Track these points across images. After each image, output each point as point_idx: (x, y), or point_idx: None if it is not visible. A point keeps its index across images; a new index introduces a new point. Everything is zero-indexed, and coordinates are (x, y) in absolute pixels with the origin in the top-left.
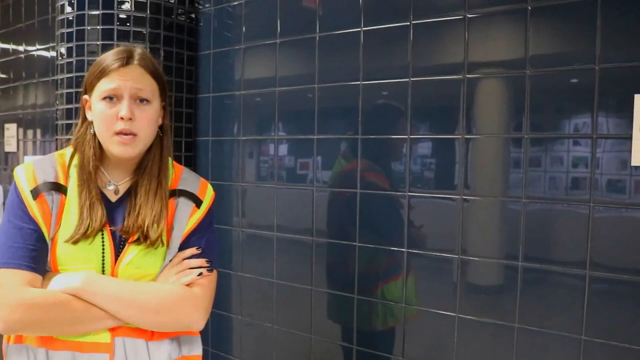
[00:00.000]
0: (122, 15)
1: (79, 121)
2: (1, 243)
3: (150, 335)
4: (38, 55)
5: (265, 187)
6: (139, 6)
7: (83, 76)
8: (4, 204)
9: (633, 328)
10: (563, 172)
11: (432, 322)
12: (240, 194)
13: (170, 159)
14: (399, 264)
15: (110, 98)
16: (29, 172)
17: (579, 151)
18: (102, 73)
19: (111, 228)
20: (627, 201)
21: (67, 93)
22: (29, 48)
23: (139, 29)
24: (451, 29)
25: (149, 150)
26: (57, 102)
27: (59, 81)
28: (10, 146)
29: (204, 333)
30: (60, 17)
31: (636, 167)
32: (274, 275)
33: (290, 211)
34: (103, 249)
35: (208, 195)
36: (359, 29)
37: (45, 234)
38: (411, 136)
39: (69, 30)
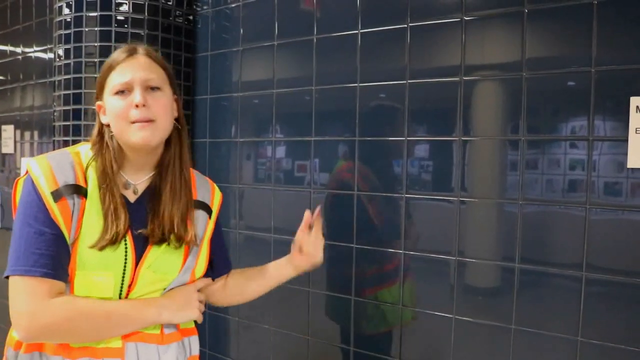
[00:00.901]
0: (120, 17)
1: (95, 127)
2: (21, 248)
3: (160, 339)
4: (36, 57)
5: (262, 189)
6: (136, 8)
7: (81, 78)
8: (1, 205)
9: (629, 329)
10: (560, 174)
11: (429, 323)
12: (237, 195)
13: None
14: (397, 266)
15: (122, 92)
16: (48, 171)
17: (575, 153)
18: (110, 68)
19: (133, 232)
20: (624, 203)
21: (64, 95)
22: (27, 49)
23: (136, 31)
24: (448, 31)
25: (168, 146)
26: (55, 104)
27: (56, 83)
28: (7, 148)
29: (201, 335)
30: (58, 19)
31: (632, 169)
32: None
33: (287, 213)
34: (126, 255)
35: (216, 202)
36: (357, 31)
37: (67, 240)
38: (408, 138)
39: (67, 31)
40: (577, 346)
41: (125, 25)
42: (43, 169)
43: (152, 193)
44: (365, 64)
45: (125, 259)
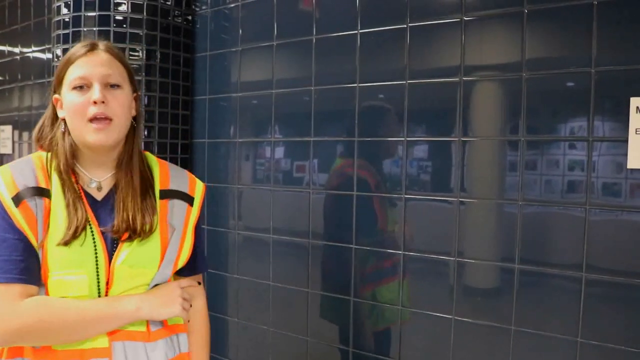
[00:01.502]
0: (119, 17)
1: (48, 122)
2: None
3: (147, 336)
4: (34, 57)
5: (261, 189)
6: (135, 8)
7: None
8: None
9: (629, 330)
10: (559, 174)
11: (428, 324)
12: (236, 196)
13: (148, 153)
14: (396, 266)
15: (80, 87)
16: (7, 177)
17: (575, 154)
18: (69, 62)
19: (101, 228)
20: (623, 204)
21: None
22: (25, 50)
23: (135, 31)
24: (448, 31)
25: (126, 142)
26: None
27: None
28: (5, 148)
29: None
30: (57, 19)
31: (632, 170)
32: (270, 277)
33: (286, 213)
34: (96, 251)
35: (198, 191)
36: (356, 32)
37: (33, 242)
38: (408, 138)
39: (65, 31)
40: (576, 347)
41: (124, 25)
42: (3, 177)
43: (115, 190)
44: (365, 64)
45: (96, 255)
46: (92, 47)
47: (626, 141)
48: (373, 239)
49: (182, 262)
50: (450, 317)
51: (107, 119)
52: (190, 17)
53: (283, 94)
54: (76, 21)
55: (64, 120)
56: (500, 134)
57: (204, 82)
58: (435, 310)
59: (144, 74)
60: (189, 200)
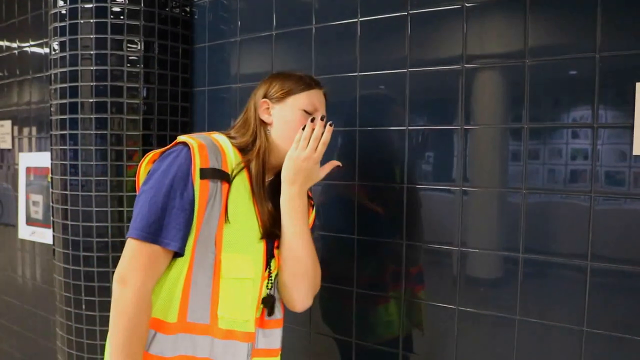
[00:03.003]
0: (116, 9)
1: (250, 122)
2: (161, 219)
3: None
4: (32, 52)
5: None
6: None
7: (77, 71)
8: (0, 201)
9: (635, 319)
10: (563, 162)
11: (431, 314)
12: None
13: None
14: (398, 256)
15: (308, 112)
16: (202, 149)
17: (579, 141)
18: (307, 86)
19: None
20: (629, 191)
21: (60, 88)
22: (23, 44)
23: (133, 22)
24: (449, 18)
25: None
26: (51, 97)
27: (52, 76)
28: (5, 143)
29: None
30: (53, 11)
31: (637, 157)
32: None
33: None
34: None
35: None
36: (356, 20)
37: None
38: (409, 127)
39: (62, 24)
40: (582, 336)
41: (121, 17)
42: (198, 145)
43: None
44: (365, 53)
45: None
46: (320, 86)
47: (632, 127)
48: (375, 230)
49: None
50: (454, 307)
51: None
52: (188, 8)
53: None
54: (73, 13)
55: (265, 124)
56: (503, 121)
57: (203, 74)
58: (438, 301)
59: (142, 66)
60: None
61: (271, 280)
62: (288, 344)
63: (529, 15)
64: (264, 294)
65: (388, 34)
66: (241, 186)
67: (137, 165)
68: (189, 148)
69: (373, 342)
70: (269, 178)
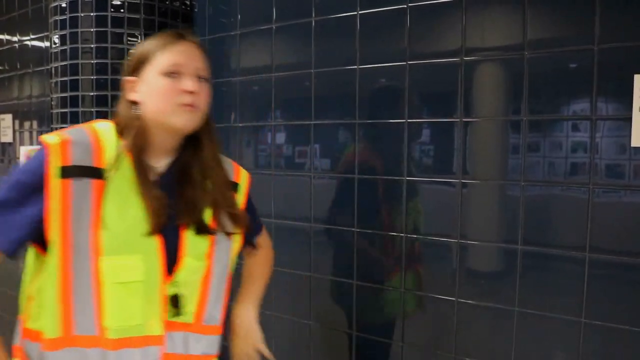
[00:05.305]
0: (116, 2)
1: (120, 106)
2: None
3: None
4: (32, 45)
5: (262, 174)
6: None
7: (77, 64)
8: None
9: (633, 310)
10: (562, 154)
11: (431, 307)
12: None
13: None
14: (398, 249)
15: (172, 73)
16: (64, 145)
17: (578, 133)
18: (159, 47)
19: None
20: (628, 183)
21: (61, 82)
22: (23, 38)
23: (133, 16)
24: (449, 11)
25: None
26: (52, 91)
27: (53, 70)
28: (6, 137)
29: None
30: (54, 5)
31: (636, 148)
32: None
33: (288, 198)
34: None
35: (243, 176)
36: (356, 13)
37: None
38: (409, 120)
39: (62, 17)
40: (580, 328)
41: (122, 10)
42: (60, 142)
43: (179, 175)
44: (365, 45)
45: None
46: (183, 37)
47: (630, 119)
48: (375, 223)
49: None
50: (453, 299)
51: (197, 109)
52: (188, 1)
53: (283, 77)
54: (73, 6)
55: (134, 103)
56: (503, 114)
57: None
58: (438, 293)
59: None
60: (235, 187)
61: (179, 278)
62: (289, 336)
63: (527, 8)
64: (170, 293)
65: (388, 27)
66: (123, 179)
67: None
68: (45, 147)
69: (373, 334)
70: (165, 159)
